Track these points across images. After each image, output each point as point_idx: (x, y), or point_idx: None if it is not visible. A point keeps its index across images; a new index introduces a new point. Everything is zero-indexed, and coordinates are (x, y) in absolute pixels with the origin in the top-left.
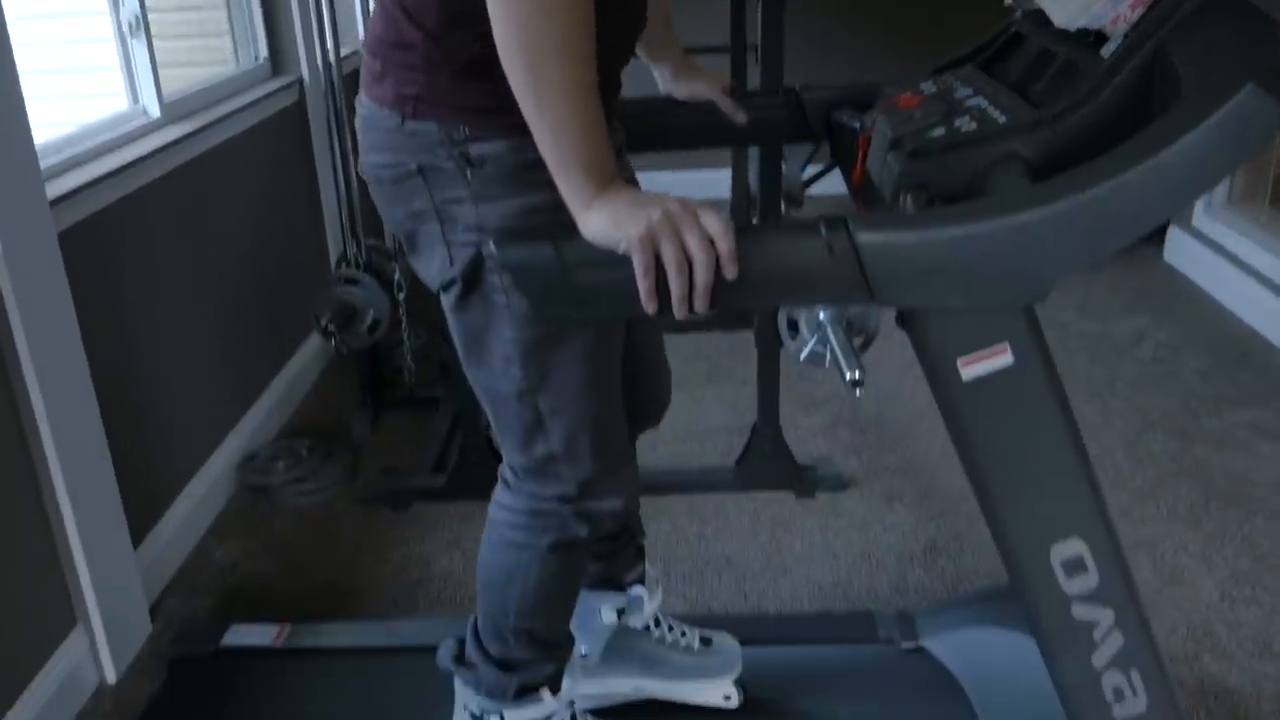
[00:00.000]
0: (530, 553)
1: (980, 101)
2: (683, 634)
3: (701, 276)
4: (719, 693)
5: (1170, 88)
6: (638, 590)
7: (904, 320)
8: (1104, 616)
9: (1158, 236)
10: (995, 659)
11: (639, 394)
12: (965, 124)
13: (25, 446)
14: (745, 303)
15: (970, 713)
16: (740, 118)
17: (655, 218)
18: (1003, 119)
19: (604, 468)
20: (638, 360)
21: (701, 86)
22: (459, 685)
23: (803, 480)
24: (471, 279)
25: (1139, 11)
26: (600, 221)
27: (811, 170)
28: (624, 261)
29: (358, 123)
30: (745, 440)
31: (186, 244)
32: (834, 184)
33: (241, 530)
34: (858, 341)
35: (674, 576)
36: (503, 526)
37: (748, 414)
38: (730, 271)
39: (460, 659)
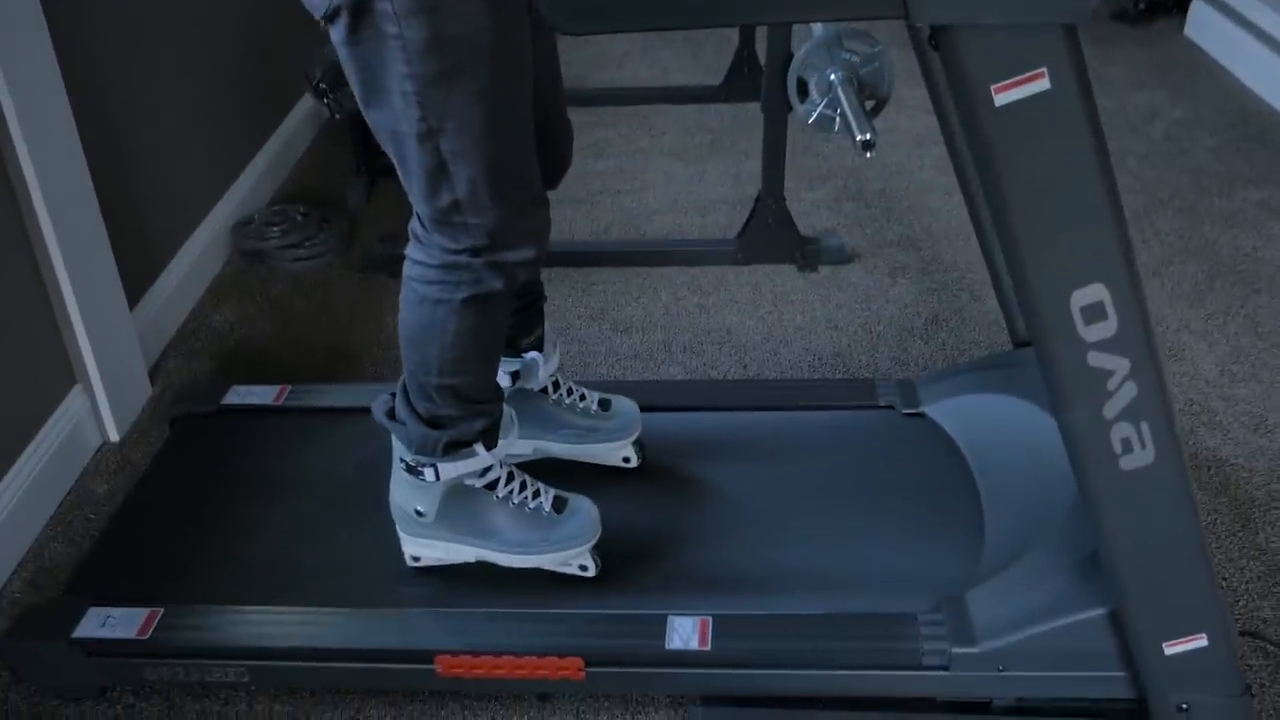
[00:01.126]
0: (445, 308)
1: None
2: (581, 397)
3: None
4: (617, 454)
5: None
6: (532, 355)
7: (935, 40)
8: (1119, 366)
9: (1179, 10)
10: (995, 422)
11: (538, 150)
12: None
13: (16, 204)
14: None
15: (969, 474)
16: None
17: None
18: None
19: (513, 215)
20: (536, 113)
21: None
22: (394, 440)
23: (805, 253)
24: (359, 6)
25: None
26: None
27: None
28: None
29: None
30: (748, 213)
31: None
32: None
33: (238, 294)
34: (869, 105)
35: (674, 347)
36: (416, 283)
37: (750, 187)
38: None
39: (392, 414)
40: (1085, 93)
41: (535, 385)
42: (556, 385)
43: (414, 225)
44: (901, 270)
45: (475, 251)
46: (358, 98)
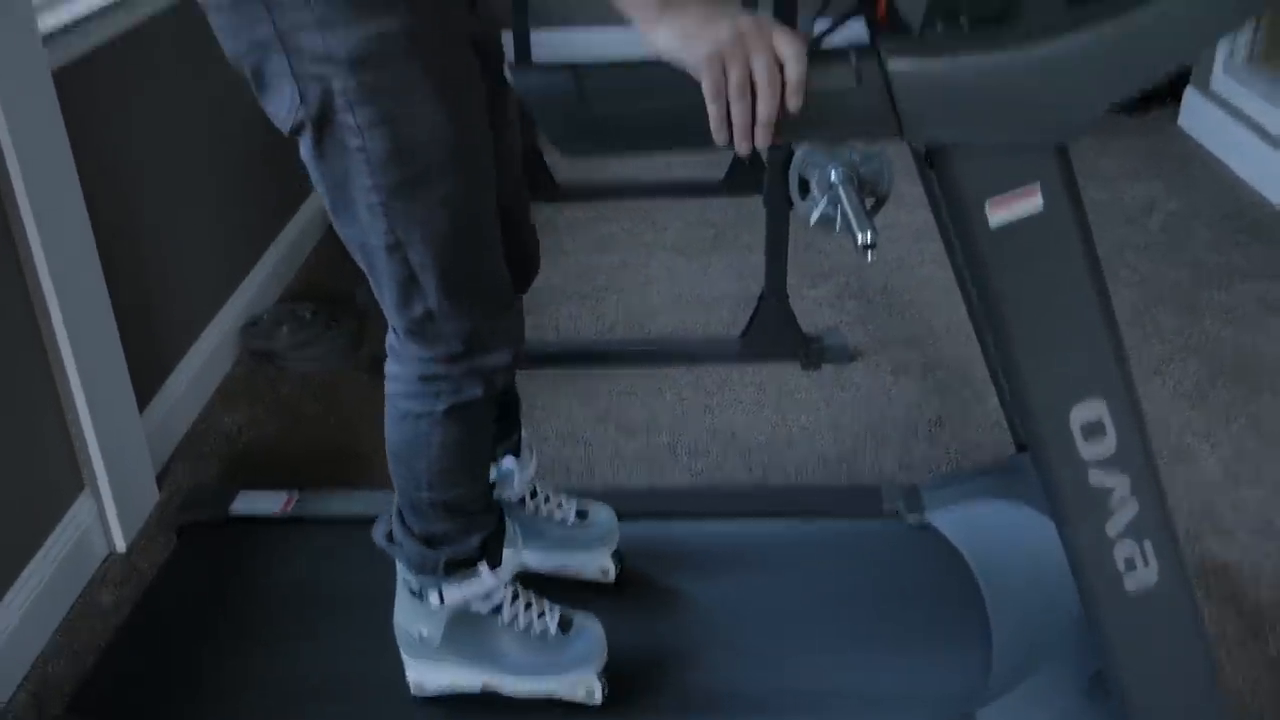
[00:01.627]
0: (428, 420)
1: None
2: (559, 505)
3: (765, 107)
4: (595, 565)
5: None
6: (508, 463)
7: (931, 159)
8: (1120, 483)
9: (1173, 100)
10: (1000, 530)
11: (506, 255)
12: None
13: (30, 304)
14: (770, 137)
15: (975, 584)
16: None
17: (725, 37)
18: None
19: (487, 319)
20: (502, 218)
21: None
22: (397, 562)
23: (809, 351)
24: (322, 120)
25: None
26: (666, 37)
27: (823, 25)
28: (650, 90)
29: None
30: (751, 310)
31: (189, 89)
32: (852, 36)
33: (247, 396)
34: (869, 203)
35: (680, 450)
36: (397, 398)
37: (754, 283)
38: (795, 100)
39: (391, 537)
40: (1078, 211)
41: (512, 495)
42: (534, 493)
43: (390, 339)
44: (904, 369)
45: (452, 359)
46: (328, 210)
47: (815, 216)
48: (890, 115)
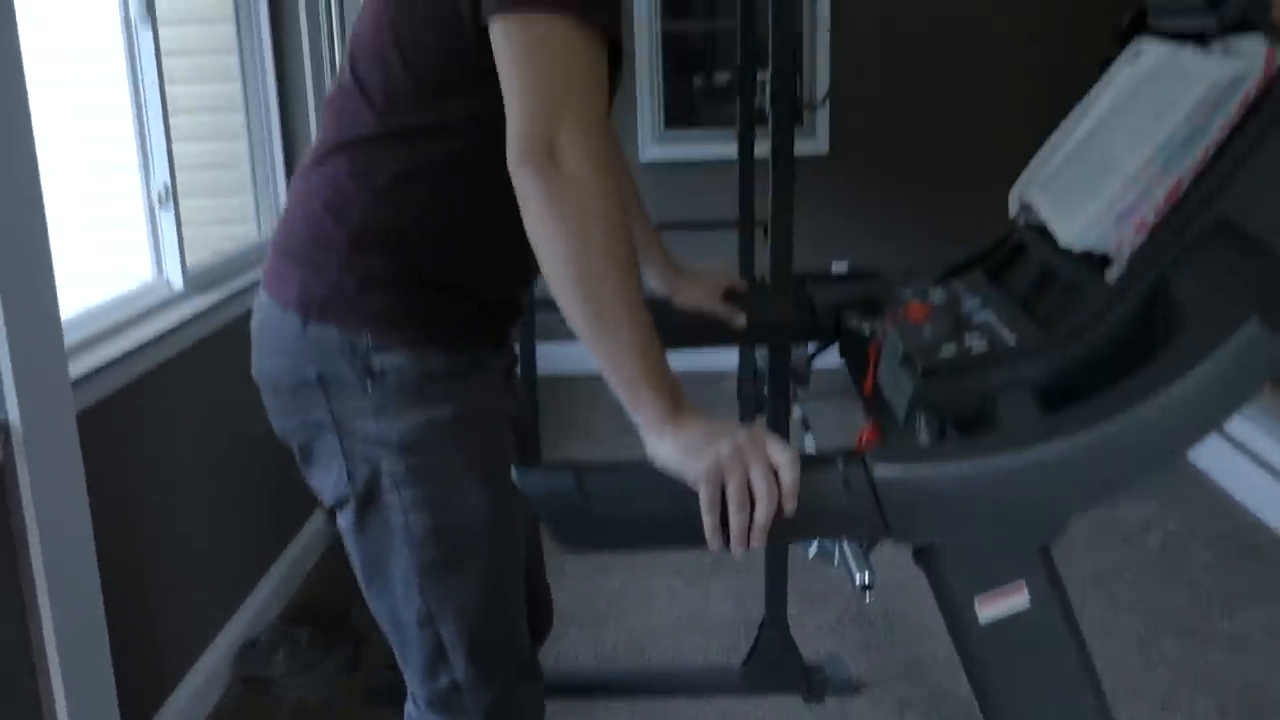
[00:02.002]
0: None
1: (989, 317)
2: None
3: (762, 514)
4: None
5: (1174, 317)
6: None
7: (919, 556)
8: None
9: None
10: None
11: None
12: (976, 343)
13: (25, 629)
14: (765, 539)
15: None
16: (740, 321)
17: (725, 453)
18: (1012, 339)
19: (509, 691)
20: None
21: (699, 296)
22: None
23: (812, 683)
24: (368, 497)
25: (1142, 236)
26: (669, 450)
27: (814, 346)
28: (649, 494)
29: (254, 324)
30: (753, 635)
31: (201, 420)
32: (838, 359)
33: None
34: (866, 540)
35: None
36: None
37: (754, 607)
38: (790, 505)
39: None
40: (1064, 606)
41: None
42: None
43: (409, 708)
44: (909, 704)
45: None
46: (360, 580)
47: (813, 551)
48: (878, 518)
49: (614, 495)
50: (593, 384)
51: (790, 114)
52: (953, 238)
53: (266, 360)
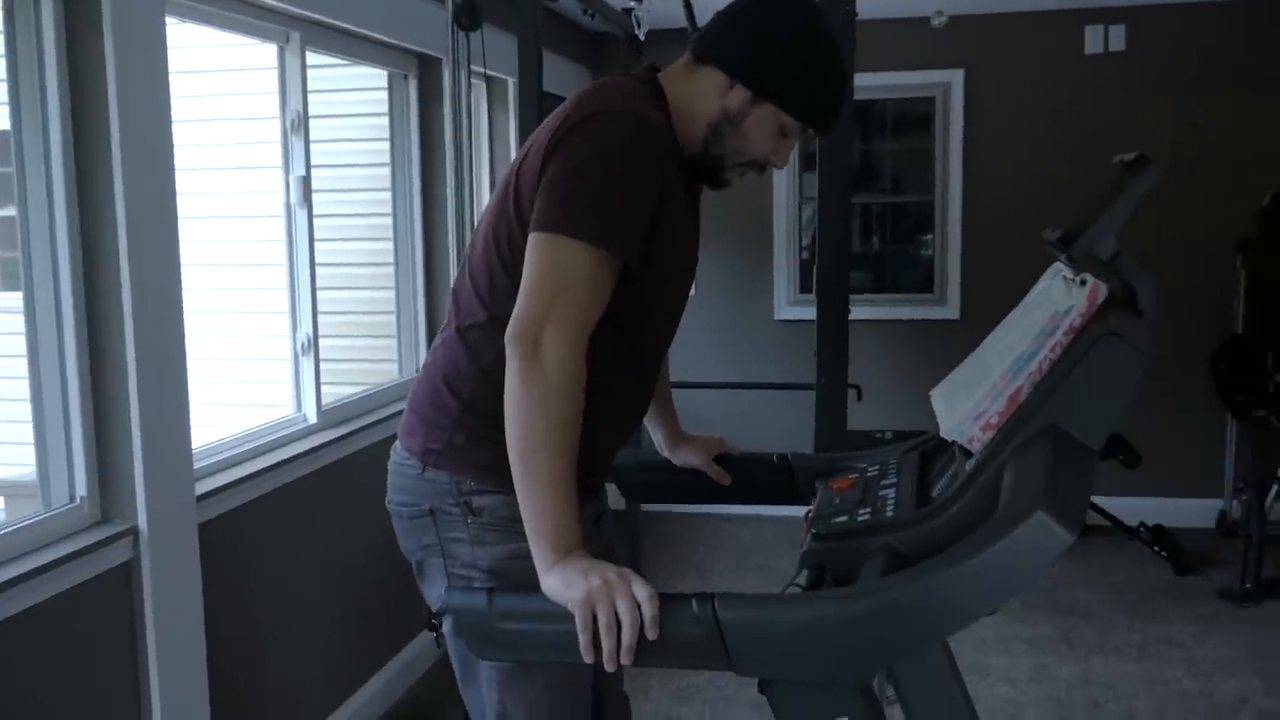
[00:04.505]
0: None
1: (891, 493)
2: None
3: (627, 637)
4: None
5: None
6: None
7: (762, 688)
8: None
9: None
10: None
11: None
12: (864, 514)
13: (137, 713)
14: (639, 661)
15: None
16: (725, 481)
17: (595, 585)
18: (890, 513)
19: None
20: (601, 692)
21: (690, 453)
22: None
23: None
24: None
25: (990, 434)
26: (553, 582)
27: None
28: (543, 616)
29: (389, 464)
30: None
31: (318, 538)
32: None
33: None
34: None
35: None
36: None
37: None
38: (652, 633)
39: None
40: None
41: None
42: None
43: None
44: None
45: None
46: (456, 677)
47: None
48: (722, 652)
49: (515, 614)
50: (691, 521)
51: (839, 286)
52: None
53: (395, 494)
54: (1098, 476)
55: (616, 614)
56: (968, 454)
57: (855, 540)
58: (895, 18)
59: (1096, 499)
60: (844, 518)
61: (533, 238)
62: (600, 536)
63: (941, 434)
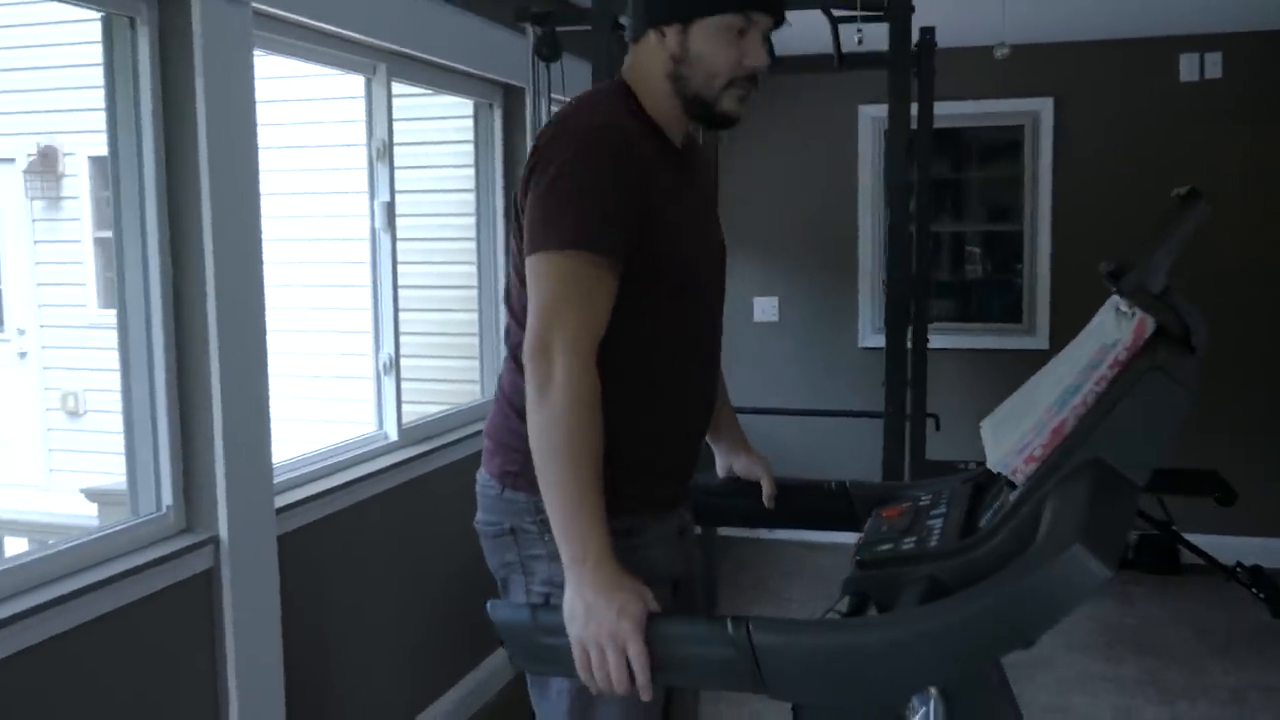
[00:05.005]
0: None
1: (938, 523)
2: None
3: (620, 690)
4: None
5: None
6: None
7: (795, 713)
8: None
9: None
10: None
11: None
12: (908, 543)
13: (215, 715)
14: (666, 679)
15: None
16: (770, 502)
17: (590, 634)
18: (934, 543)
19: None
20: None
21: (752, 463)
22: None
23: None
24: None
25: (1033, 467)
26: (570, 602)
27: None
28: None
29: (477, 487)
30: None
31: (395, 554)
32: None
33: None
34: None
35: None
36: None
37: None
38: (645, 695)
39: None
40: None
41: None
42: None
43: None
44: None
45: None
46: (530, 691)
47: None
48: (755, 675)
49: (558, 629)
50: (769, 546)
51: (908, 316)
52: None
53: (481, 514)
54: (1192, 515)
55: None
56: (1013, 486)
57: (898, 569)
58: (982, 45)
59: (1191, 537)
60: (888, 546)
61: (527, 263)
62: (684, 552)
63: (988, 465)
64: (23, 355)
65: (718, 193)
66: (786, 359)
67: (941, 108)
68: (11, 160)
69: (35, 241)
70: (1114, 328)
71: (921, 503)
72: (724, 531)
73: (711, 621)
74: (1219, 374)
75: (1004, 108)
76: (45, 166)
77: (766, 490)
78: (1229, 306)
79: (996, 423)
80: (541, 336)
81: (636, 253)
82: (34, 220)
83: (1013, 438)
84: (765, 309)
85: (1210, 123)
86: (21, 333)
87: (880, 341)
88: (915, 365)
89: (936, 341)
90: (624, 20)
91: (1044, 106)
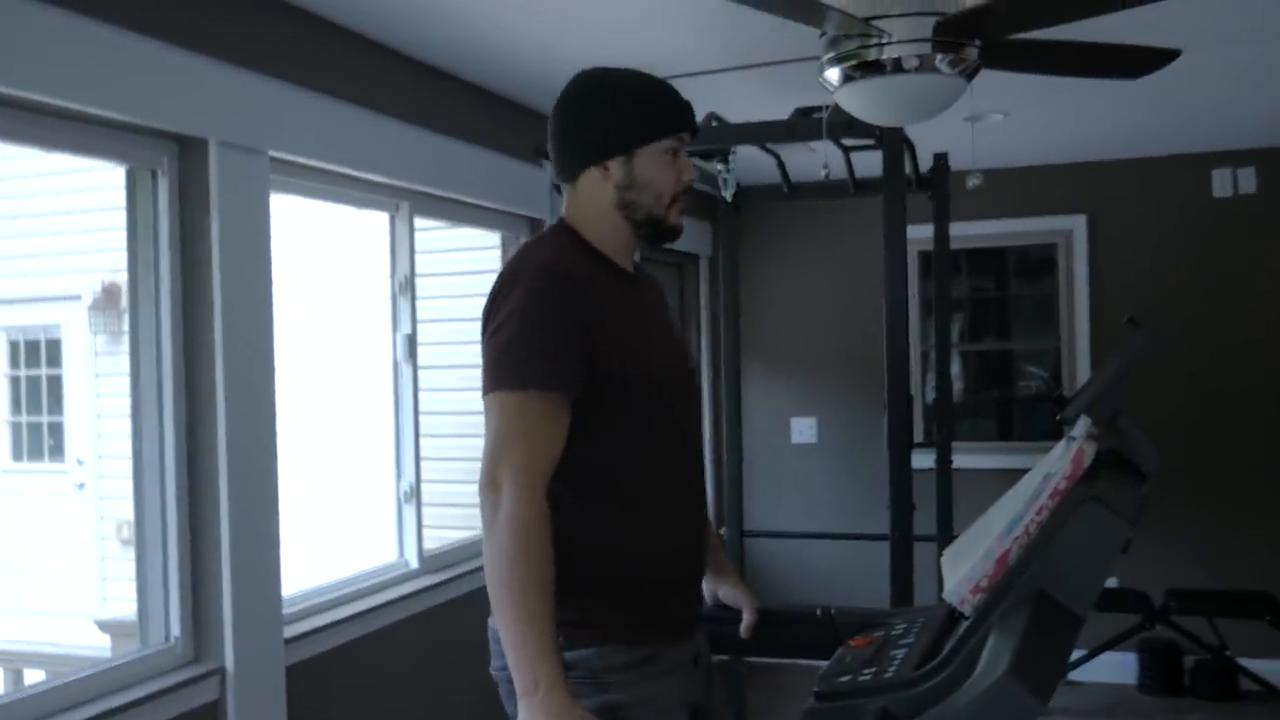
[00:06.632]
0: None
1: (902, 653)
2: None
3: None
4: None
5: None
6: None
7: None
8: None
9: None
10: None
11: None
12: (866, 674)
13: None
14: None
15: None
16: (747, 633)
17: None
18: (890, 674)
19: None
20: None
21: (736, 592)
22: None
23: None
24: None
25: (980, 597)
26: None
27: None
28: None
29: (489, 633)
30: None
31: (412, 684)
32: None
33: None
34: None
35: None
36: None
37: None
38: None
39: None
40: None
41: None
42: None
43: None
44: None
45: None
46: None
47: None
48: None
49: None
50: (802, 670)
51: (906, 444)
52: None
53: (494, 660)
54: (1251, 638)
55: None
56: (965, 617)
57: (853, 700)
58: (1015, 166)
59: (1247, 662)
60: (848, 677)
61: (484, 402)
62: (701, 679)
63: (942, 596)
64: (81, 486)
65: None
66: (826, 480)
67: (975, 227)
68: (78, 297)
69: (97, 375)
70: (1060, 457)
71: (894, 631)
72: (754, 660)
73: None
74: (1270, 493)
75: (1037, 226)
76: (109, 303)
77: (746, 620)
78: (1275, 423)
79: (955, 552)
80: (490, 470)
81: (596, 379)
82: (96, 354)
83: (965, 568)
84: (803, 430)
85: (1245, 237)
86: (81, 463)
87: (923, 462)
88: (940, 485)
89: (973, 461)
90: (554, 171)
91: (1077, 224)
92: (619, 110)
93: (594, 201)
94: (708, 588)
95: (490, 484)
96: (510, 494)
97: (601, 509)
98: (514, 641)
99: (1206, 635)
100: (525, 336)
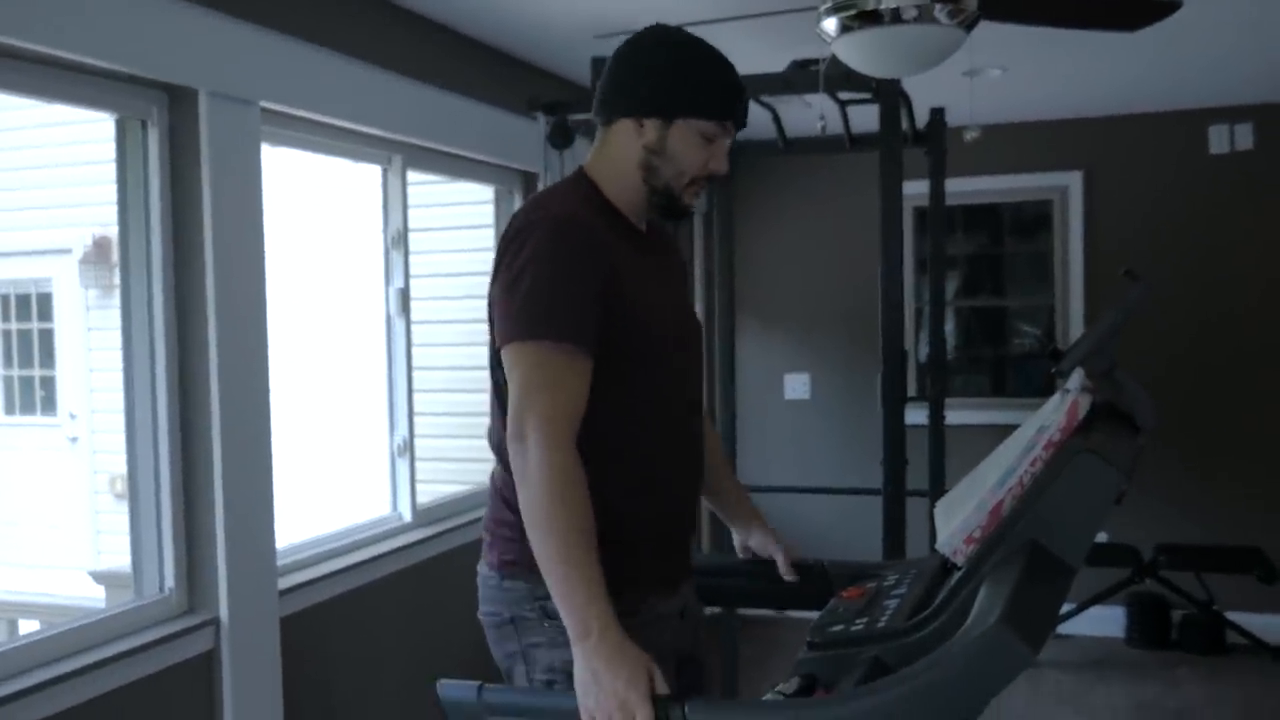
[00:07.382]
0: None
1: (894, 603)
2: None
3: None
4: None
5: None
6: None
7: None
8: None
9: None
10: None
11: None
12: (860, 624)
13: None
14: None
15: None
16: (790, 577)
17: (598, 704)
18: (882, 624)
19: None
20: None
21: (770, 544)
22: None
23: None
24: None
25: (973, 548)
26: (579, 667)
27: None
28: (529, 712)
29: (478, 579)
30: None
31: (405, 637)
32: None
33: None
34: None
35: None
36: None
37: None
38: None
39: None
40: None
41: None
42: None
43: None
44: None
45: None
46: None
47: None
48: None
49: (501, 708)
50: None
51: (900, 399)
52: (1211, 515)
53: (482, 605)
54: (1239, 593)
55: None
56: (958, 567)
57: (845, 650)
58: (1011, 122)
59: (1234, 616)
60: (840, 627)
61: (502, 354)
62: (687, 631)
63: (936, 547)
64: (74, 440)
65: (688, 277)
66: (819, 436)
67: (971, 183)
68: (68, 250)
69: (88, 329)
70: (1054, 409)
71: (886, 582)
72: (746, 612)
73: (664, 700)
74: (1261, 450)
75: (1033, 182)
76: (99, 256)
77: (783, 567)
78: (1268, 381)
79: (948, 504)
80: (517, 423)
81: (605, 333)
82: (88, 308)
83: (958, 519)
84: (796, 386)
85: (1241, 193)
86: (73, 417)
87: (916, 418)
88: (933, 441)
89: (966, 417)
90: (596, 100)
91: (1073, 180)
92: (674, 74)
93: (620, 155)
94: (738, 538)
95: (517, 438)
96: (537, 443)
97: (597, 466)
98: (560, 590)
99: (1195, 590)
100: (545, 287)
